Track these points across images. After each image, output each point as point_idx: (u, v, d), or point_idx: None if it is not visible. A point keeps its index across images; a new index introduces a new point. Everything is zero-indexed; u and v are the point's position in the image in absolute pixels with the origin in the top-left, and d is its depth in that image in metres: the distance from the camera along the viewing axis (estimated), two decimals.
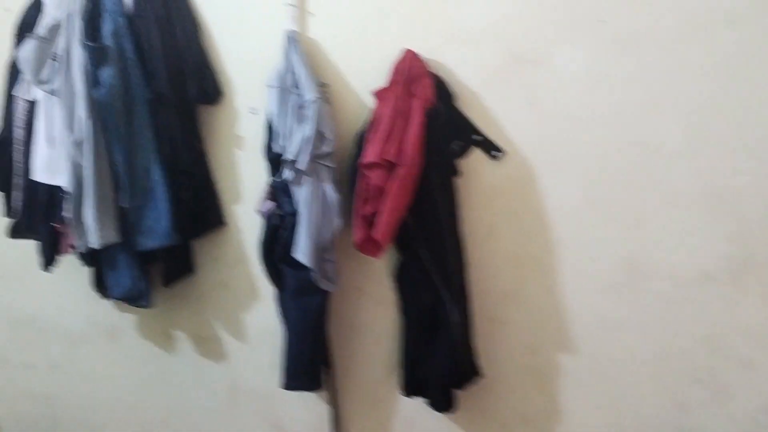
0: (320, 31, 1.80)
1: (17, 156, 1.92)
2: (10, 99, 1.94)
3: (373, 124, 1.66)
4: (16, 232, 1.94)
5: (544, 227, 1.76)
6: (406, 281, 1.78)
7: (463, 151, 1.75)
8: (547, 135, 1.71)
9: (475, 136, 1.74)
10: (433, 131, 1.64)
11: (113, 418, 2.29)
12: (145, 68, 1.81)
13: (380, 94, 1.67)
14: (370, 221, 1.62)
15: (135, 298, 1.93)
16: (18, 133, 1.91)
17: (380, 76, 1.71)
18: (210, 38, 1.89)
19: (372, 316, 1.92)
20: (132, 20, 1.82)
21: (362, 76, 1.78)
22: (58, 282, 2.18)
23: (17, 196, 1.93)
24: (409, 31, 1.73)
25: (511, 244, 1.79)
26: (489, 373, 1.84)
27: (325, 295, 1.78)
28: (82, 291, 2.10)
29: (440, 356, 1.74)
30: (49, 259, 1.96)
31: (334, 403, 1.98)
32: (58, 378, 2.33)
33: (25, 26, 1.92)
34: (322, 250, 1.72)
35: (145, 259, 1.92)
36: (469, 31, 1.70)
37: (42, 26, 1.86)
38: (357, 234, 1.64)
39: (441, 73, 1.71)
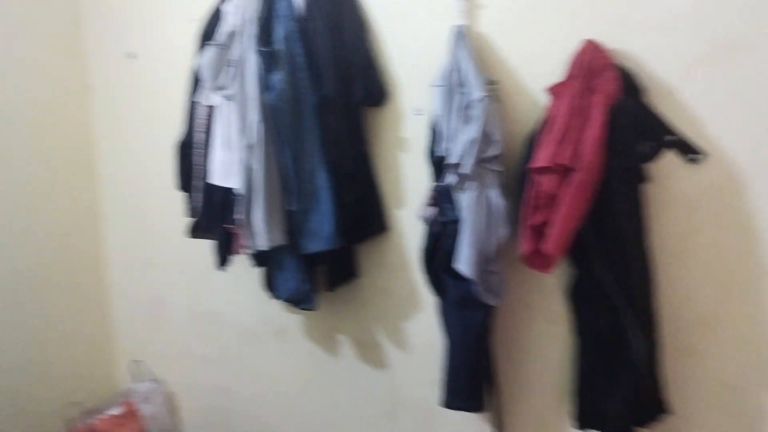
0: (490, 25, 1.67)
1: (197, 159, 2.01)
2: (192, 105, 2.04)
3: (546, 123, 1.49)
4: (194, 232, 2.03)
5: (752, 245, 1.47)
6: (582, 300, 1.59)
7: (653, 154, 1.51)
8: (759, 135, 1.42)
9: (668, 137, 1.49)
10: (617, 131, 1.43)
11: (280, 415, 2.33)
12: (313, 71, 1.80)
13: (555, 91, 1.50)
14: (539, 232, 1.46)
15: (300, 301, 1.94)
16: (198, 137, 2.00)
17: (556, 71, 1.54)
18: (376, 37, 1.84)
19: (542, 335, 1.74)
20: (303, 23, 1.82)
21: (536, 71, 1.62)
22: (234, 280, 2.27)
23: (196, 197, 2.03)
24: (589, 20, 1.54)
25: (710, 263, 1.52)
26: (678, 410, 1.58)
27: (488, 309, 1.64)
28: (254, 290, 2.15)
29: (620, 387, 1.53)
30: (223, 258, 2.02)
31: (499, 427, 1.83)
32: (232, 372, 2.42)
33: (207, 35, 2.00)
34: (485, 261, 1.59)
35: (310, 262, 1.91)
36: (664, 16, 1.47)
37: (220, 34, 1.92)
38: (524, 246, 1.49)
39: (628, 65, 1.50)
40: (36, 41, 2.44)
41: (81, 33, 2.57)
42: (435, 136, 1.67)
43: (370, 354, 2.06)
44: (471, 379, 1.70)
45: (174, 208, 2.25)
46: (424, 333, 1.92)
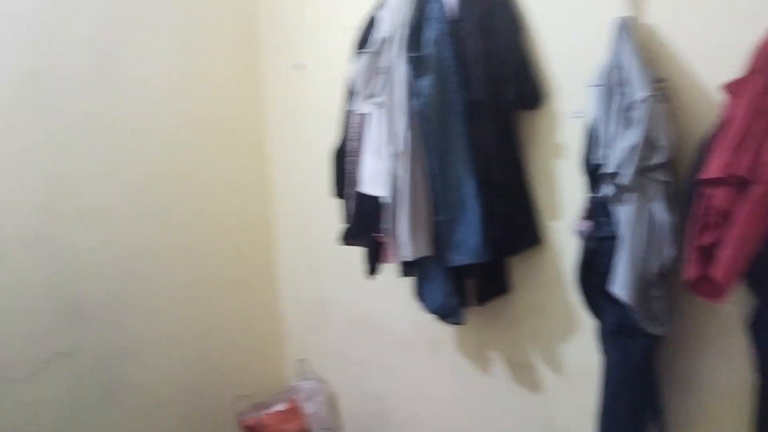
0: (660, 14, 1.47)
1: (350, 167, 2.02)
2: (347, 113, 2.05)
3: (722, 127, 1.27)
4: (345, 239, 2.04)
5: None
6: (763, 334, 1.33)
7: None
8: None
9: None
10: None
11: (433, 427, 2.27)
12: (463, 75, 1.72)
13: (733, 88, 1.27)
14: (709, 255, 1.24)
15: (446, 315, 1.87)
16: (351, 145, 2.01)
17: (735, 65, 1.31)
18: (530, 35, 1.71)
19: (718, 370, 1.50)
20: (454, 25, 1.75)
21: (711, 66, 1.39)
22: (390, 287, 2.25)
23: (349, 205, 2.04)
24: None
25: None
26: None
27: (651, 338, 1.45)
28: (409, 299, 2.12)
29: None
30: (372, 267, 2.01)
31: None
32: (387, 379, 2.41)
33: (362, 42, 2.00)
34: (646, 285, 1.40)
35: (458, 275, 1.83)
36: None
37: (373, 41, 1.91)
38: (690, 270, 1.28)
39: None
40: (218, 56, 2.63)
41: (257, 47, 2.72)
42: (591, 141, 1.50)
43: (523, 375, 1.93)
44: (629, 413, 1.52)
45: (335, 214, 2.29)
46: (581, 357, 1.75)
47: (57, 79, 2.22)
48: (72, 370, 2.30)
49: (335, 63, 2.31)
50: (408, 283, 2.09)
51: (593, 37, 1.55)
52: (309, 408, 2.65)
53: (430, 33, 1.76)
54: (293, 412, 2.63)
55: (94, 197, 2.32)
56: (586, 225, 1.52)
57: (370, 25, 1.99)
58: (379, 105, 1.85)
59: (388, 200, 1.81)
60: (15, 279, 2.16)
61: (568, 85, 1.66)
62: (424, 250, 1.78)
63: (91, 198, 2.31)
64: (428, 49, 1.74)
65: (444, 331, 2.13)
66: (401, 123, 1.78)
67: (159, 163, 2.49)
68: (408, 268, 1.94)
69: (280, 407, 2.63)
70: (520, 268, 1.85)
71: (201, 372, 2.63)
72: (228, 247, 2.71)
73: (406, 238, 1.77)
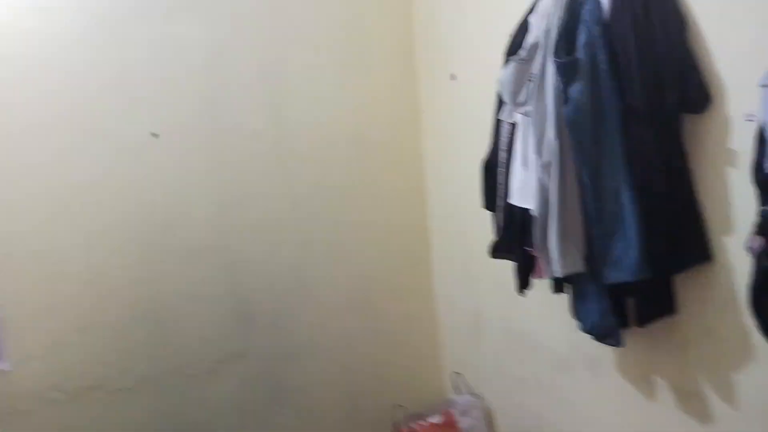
0: None
1: (500, 178, 1.97)
2: (497, 122, 2.01)
3: None
4: (494, 252, 2.00)
5: None
6: None
7: None
8: None
9: None
10: None
11: None
12: (618, 79, 1.61)
13: None
14: None
15: (602, 335, 1.75)
16: (501, 155, 1.96)
17: None
18: (694, 32, 1.55)
19: None
20: (608, 27, 1.64)
21: None
22: (547, 303, 2.16)
23: (498, 217, 1.99)
24: None
25: None
26: None
27: None
28: (566, 315, 2.02)
29: None
30: (523, 282, 1.95)
31: None
32: (544, 397, 2.32)
33: (512, 49, 1.95)
34: None
35: (616, 293, 1.71)
36: None
37: (523, 47, 1.85)
38: None
39: None
40: (376, 72, 2.71)
41: (412, 60, 2.76)
42: (764, 148, 1.33)
43: (691, 404, 1.75)
44: None
45: (489, 225, 2.25)
46: (757, 387, 1.56)
47: (229, 103, 2.42)
48: (242, 371, 2.48)
49: (488, 72, 2.27)
50: (565, 299, 1.99)
51: (766, 31, 1.37)
52: (464, 423, 2.62)
53: (582, 36, 1.67)
54: (448, 425, 2.61)
55: (263, 210, 2.50)
56: (758, 241, 1.35)
57: (521, 31, 1.93)
58: (528, 113, 1.79)
59: (537, 213, 1.74)
60: (194, 285, 2.39)
61: (739, 84, 1.49)
62: (576, 266, 1.69)
63: (259, 211, 2.49)
64: (580, 53, 1.65)
65: (604, 351, 1.99)
66: (550, 132, 1.70)
67: (321, 177, 2.61)
68: (559, 284, 1.85)
69: (435, 419, 2.63)
70: (687, 287, 1.69)
71: (359, 379, 2.71)
72: (386, 258, 2.77)
73: (555, 253, 1.69)
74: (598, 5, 1.65)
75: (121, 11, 2.25)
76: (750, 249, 1.38)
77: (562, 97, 1.69)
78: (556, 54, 1.70)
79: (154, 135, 2.30)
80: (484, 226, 2.29)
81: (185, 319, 2.38)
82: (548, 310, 2.18)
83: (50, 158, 2.18)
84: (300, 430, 2.60)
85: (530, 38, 1.84)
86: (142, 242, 2.31)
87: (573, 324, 1.91)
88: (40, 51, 2.15)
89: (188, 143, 2.36)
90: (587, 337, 1.95)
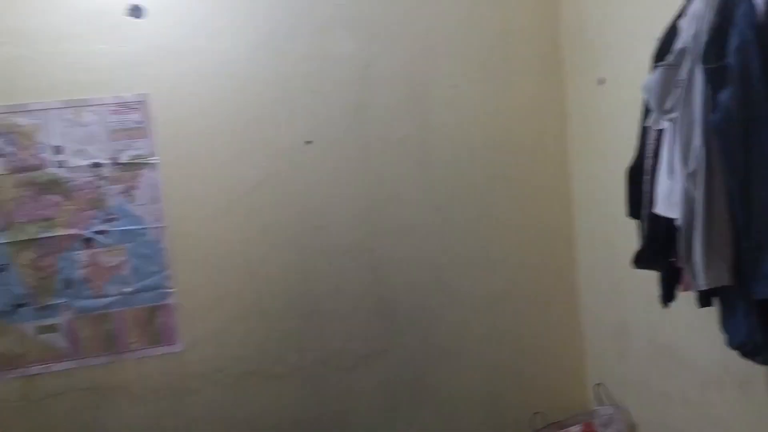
0: None
1: (646, 186, 1.92)
2: (644, 129, 1.96)
3: None
4: (637, 262, 1.95)
5: None
6: None
7: None
8: None
9: None
10: None
11: None
12: None
13: None
14: None
15: (750, 352, 1.66)
16: (647, 163, 1.91)
17: None
18: None
19: None
20: (762, 31, 1.56)
21: None
22: (695, 316, 2.06)
23: (644, 226, 1.94)
24: None
25: None
26: None
27: None
28: (716, 331, 1.93)
29: None
30: (667, 294, 1.89)
31: None
32: (691, 415, 2.21)
33: (660, 54, 1.89)
34: None
35: (766, 309, 1.61)
36: None
37: (672, 52, 1.80)
38: None
39: None
40: (521, 77, 2.73)
41: (558, 65, 2.74)
42: None
43: None
44: None
45: (636, 234, 2.19)
46: None
47: (377, 111, 2.56)
48: (384, 367, 2.61)
49: (637, 76, 2.21)
50: (714, 314, 1.89)
51: None
52: None
53: (735, 40, 1.59)
54: None
55: (406, 214, 2.62)
56: None
57: (670, 35, 1.87)
58: (674, 120, 1.73)
59: (683, 223, 1.68)
60: (341, 283, 2.56)
61: None
62: (721, 280, 1.61)
63: (403, 214, 2.61)
64: (730, 58, 1.58)
65: (756, 369, 1.88)
66: (697, 140, 1.64)
67: (464, 181, 2.68)
68: (706, 297, 1.77)
69: (576, 429, 2.59)
70: None
71: (499, 384, 2.75)
72: (529, 264, 2.78)
73: (700, 265, 1.63)
74: (753, 8, 1.56)
75: (281, 30, 2.48)
76: None
77: (711, 103, 1.62)
78: (705, 59, 1.64)
79: (308, 142, 2.50)
80: (631, 235, 2.23)
81: (332, 314, 2.56)
82: (697, 323, 2.08)
83: (221, 163, 2.46)
84: (439, 429, 2.68)
85: (678, 43, 1.78)
86: (296, 241, 2.52)
87: (722, 339, 1.82)
88: (213, 68, 2.44)
89: (338, 150, 2.54)
90: (737, 353, 1.86)
